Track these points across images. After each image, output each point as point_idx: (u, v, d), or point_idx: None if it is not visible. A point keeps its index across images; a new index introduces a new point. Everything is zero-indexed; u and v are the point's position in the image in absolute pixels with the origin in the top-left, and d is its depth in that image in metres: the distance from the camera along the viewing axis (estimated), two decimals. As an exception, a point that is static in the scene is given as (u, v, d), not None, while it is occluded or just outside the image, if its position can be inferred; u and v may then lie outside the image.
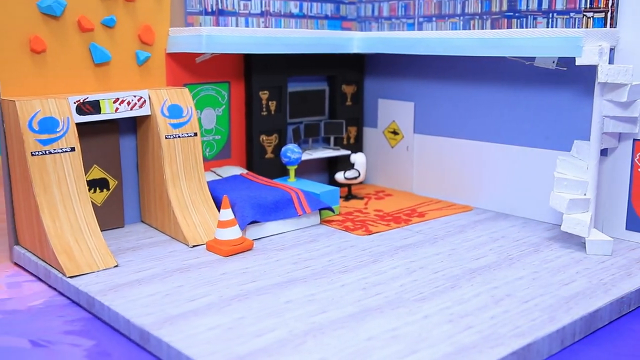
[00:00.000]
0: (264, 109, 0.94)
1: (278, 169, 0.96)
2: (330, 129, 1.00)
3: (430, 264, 0.68)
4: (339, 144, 1.03)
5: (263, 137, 0.95)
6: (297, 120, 1.00)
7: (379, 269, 0.67)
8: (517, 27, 0.83)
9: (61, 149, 0.69)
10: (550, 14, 0.79)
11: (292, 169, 0.91)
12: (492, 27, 0.86)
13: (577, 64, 0.70)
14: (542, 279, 0.64)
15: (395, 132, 1.03)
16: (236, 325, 0.54)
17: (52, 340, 0.55)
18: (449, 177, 0.96)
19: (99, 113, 0.74)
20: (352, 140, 1.06)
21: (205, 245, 0.74)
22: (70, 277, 0.64)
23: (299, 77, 0.99)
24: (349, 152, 1.01)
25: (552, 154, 0.83)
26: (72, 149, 0.70)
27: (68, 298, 0.65)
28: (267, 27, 0.95)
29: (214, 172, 0.90)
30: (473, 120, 0.91)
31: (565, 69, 0.78)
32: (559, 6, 0.78)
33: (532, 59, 0.79)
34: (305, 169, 1.02)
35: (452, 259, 0.70)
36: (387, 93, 1.03)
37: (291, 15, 0.97)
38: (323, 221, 0.84)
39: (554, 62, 0.77)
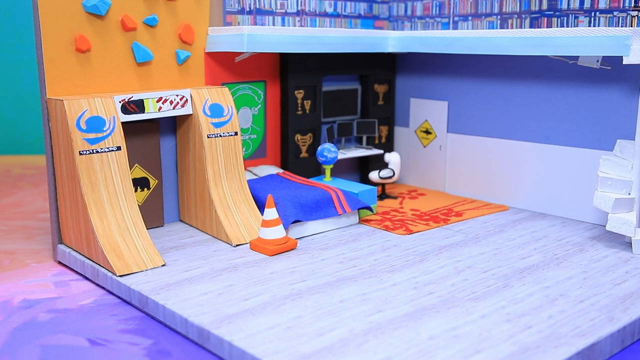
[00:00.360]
0: (299, 108, 0.94)
1: (313, 168, 0.96)
2: (362, 128, 1.00)
3: (477, 264, 0.68)
4: (370, 143, 1.03)
5: (298, 137, 0.95)
6: (330, 119, 1.00)
7: (427, 268, 0.67)
8: (557, 26, 0.83)
9: (108, 148, 0.69)
10: (593, 13, 0.79)
11: (328, 168, 0.91)
12: (531, 26, 0.86)
13: (624, 62, 0.70)
14: (593, 278, 0.64)
15: (427, 132, 1.03)
16: (295, 324, 0.53)
17: (109, 339, 0.55)
18: (483, 177, 0.95)
19: (143, 112, 0.74)
20: (383, 140, 1.06)
21: (248, 245, 0.74)
22: (120, 276, 0.65)
23: (332, 77, 0.99)
24: (382, 151, 1.01)
25: (590, 153, 0.83)
26: (118, 148, 0.70)
27: (118, 297, 0.65)
28: (302, 26, 0.95)
29: (251, 172, 0.90)
30: (509, 119, 0.91)
31: (609, 67, 0.78)
32: (602, 5, 0.78)
33: (575, 58, 0.79)
34: (337, 169, 1.02)
35: (498, 259, 0.70)
36: (419, 92, 1.03)
37: (325, 15, 0.97)
38: (361, 220, 0.84)
39: (598, 60, 0.76)
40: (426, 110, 1.02)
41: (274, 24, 0.91)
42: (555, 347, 0.49)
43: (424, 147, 1.04)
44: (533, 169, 0.89)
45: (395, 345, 0.50)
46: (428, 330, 0.52)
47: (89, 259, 0.69)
